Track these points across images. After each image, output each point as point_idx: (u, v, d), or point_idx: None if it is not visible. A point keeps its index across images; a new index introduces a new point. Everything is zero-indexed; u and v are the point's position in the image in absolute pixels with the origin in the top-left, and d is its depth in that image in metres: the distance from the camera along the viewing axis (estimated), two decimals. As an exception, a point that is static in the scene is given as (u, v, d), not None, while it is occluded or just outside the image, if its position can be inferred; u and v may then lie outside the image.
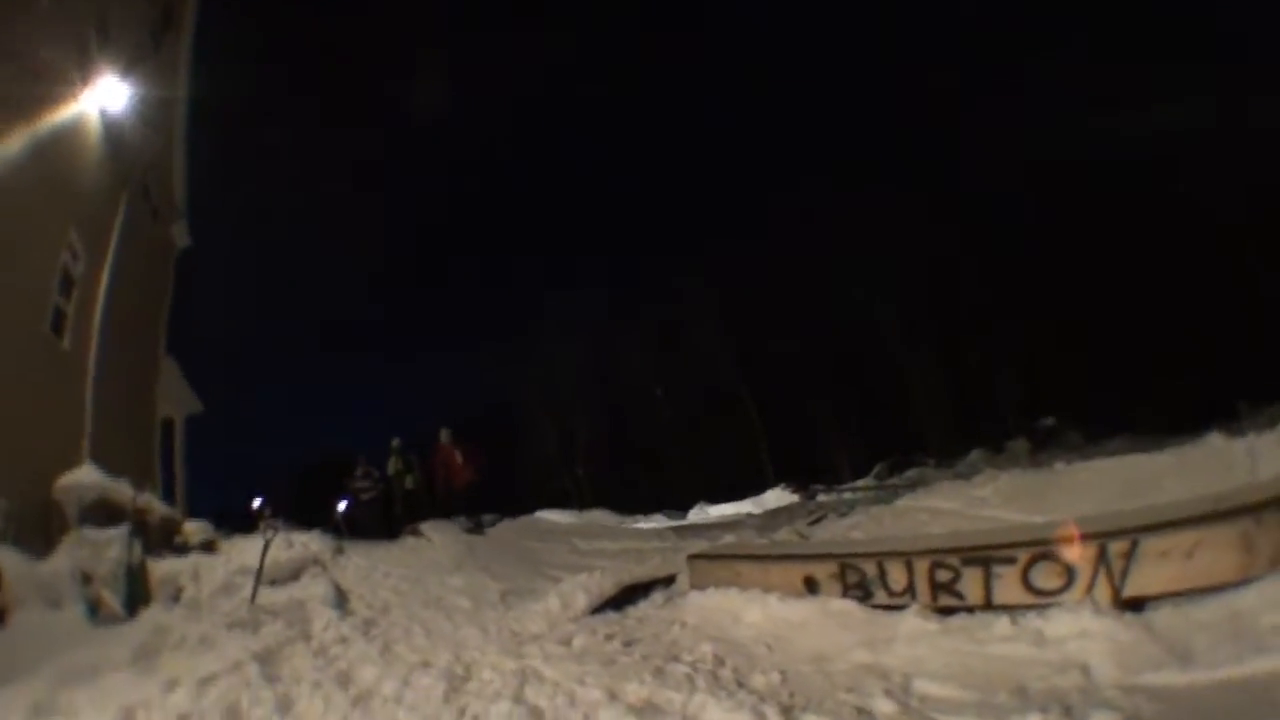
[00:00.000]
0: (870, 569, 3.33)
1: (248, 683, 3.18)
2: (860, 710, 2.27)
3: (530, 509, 13.01)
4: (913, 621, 2.95)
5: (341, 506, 11.50)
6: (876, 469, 18.60)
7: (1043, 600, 2.75)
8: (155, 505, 7.66)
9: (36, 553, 5.31)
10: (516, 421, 29.40)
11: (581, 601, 4.32)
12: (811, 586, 3.53)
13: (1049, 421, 17.50)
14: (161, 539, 7.03)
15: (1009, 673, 2.38)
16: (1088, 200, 20.27)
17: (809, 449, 25.52)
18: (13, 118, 6.49)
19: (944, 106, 26.81)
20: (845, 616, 3.24)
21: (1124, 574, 2.61)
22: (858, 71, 37.78)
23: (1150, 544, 2.59)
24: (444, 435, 10.25)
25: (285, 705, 2.94)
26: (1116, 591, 2.61)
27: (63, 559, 5.25)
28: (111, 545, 5.35)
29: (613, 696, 2.62)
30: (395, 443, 11.30)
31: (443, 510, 10.25)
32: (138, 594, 5.04)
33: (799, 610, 3.44)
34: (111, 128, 8.64)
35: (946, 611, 2.98)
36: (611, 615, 4.19)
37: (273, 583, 5.66)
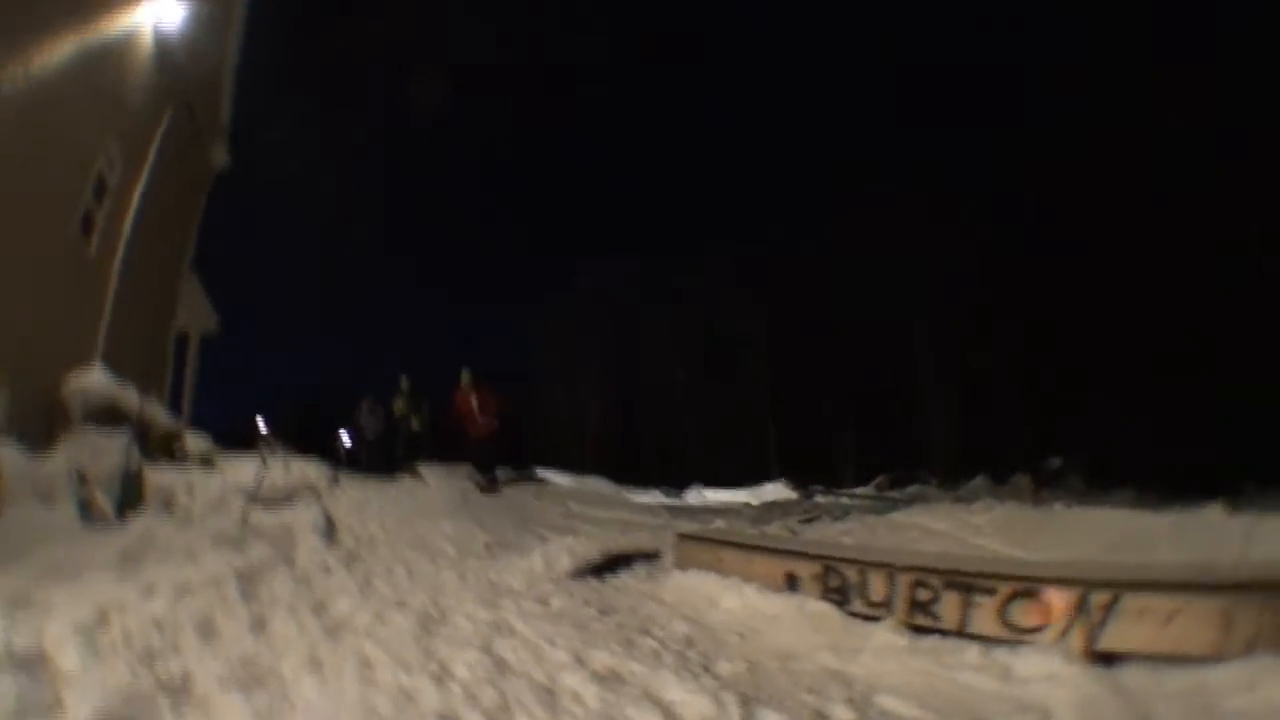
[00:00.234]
0: (853, 575, 3.30)
1: (225, 599, 3.24)
2: (819, 714, 2.25)
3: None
4: (885, 635, 2.94)
5: (345, 440, 11.66)
6: (878, 479, 18.49)
7: (1016, 637, 2.71)
8: (160, 416, 7.81)
9: (38, 449, 5.43)
10: (533, 383, 29.77)
11: (565, 563, 4.33)
12: (792, 583, 3.52)
13: (1056, 462, 17.34)
14: (162, 449, 7.17)
15: (971, 703, 2.35)
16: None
17: (815, 449, 25.47)
18: (67, 25, 6.54)
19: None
20: (820, 618, 3.23)
21: (1101, 625, 2.56)
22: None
23: (1132, 601, 2.53)
24: (464, 377, 9.69)
25: (259, 625, 2.99)
26: (1090, 642, 2.56)
27: (61, 458, 5.36)
28: (111, 449, 5.46)
29: (579, 660, 2.64)
30: (404, 384, 11.31)
31: (455, 458, 10.20)
32: (131, 500, 5.13)
33: (776, 605, 3.43)
34: (163, 44, 8.69)
35: (920, 630, 2.95)
36: (593, 581, 4.20)
37: (266, 504, 5.76)
